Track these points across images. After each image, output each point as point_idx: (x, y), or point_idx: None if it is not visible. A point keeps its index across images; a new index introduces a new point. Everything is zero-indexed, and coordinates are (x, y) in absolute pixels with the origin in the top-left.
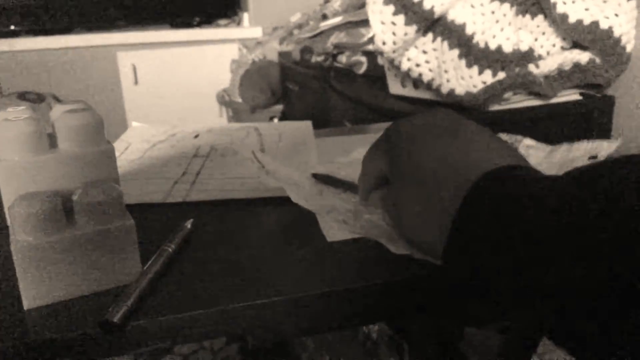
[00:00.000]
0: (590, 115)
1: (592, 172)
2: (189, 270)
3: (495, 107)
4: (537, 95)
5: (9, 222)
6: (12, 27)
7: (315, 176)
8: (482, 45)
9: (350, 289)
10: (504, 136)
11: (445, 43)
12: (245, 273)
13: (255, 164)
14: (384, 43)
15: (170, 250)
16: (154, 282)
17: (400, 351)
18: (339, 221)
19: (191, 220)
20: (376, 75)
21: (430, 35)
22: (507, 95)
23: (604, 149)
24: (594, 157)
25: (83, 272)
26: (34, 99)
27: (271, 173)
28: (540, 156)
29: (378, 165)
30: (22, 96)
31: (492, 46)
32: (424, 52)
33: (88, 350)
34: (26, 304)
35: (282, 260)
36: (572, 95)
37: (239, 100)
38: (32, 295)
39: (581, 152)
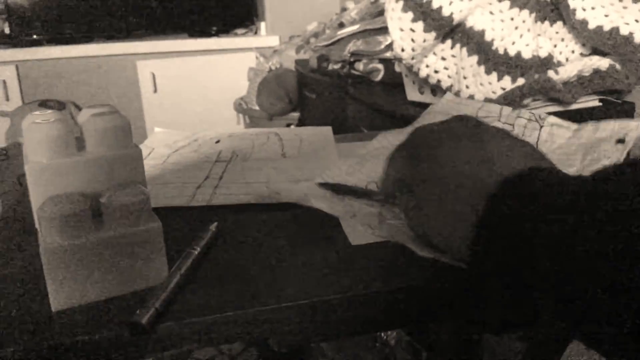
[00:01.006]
0: None
1: (617, 173)
2: (214, 273)
3: None
4: (557, 101)
5: (37, 225)
6: (34, 37)
7: (323, 186)
8: (501, 51)
9: (372, 293)
10: (527, 114)
11: (464, 49)
12: (269, 276)
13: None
14: (402, 50)
15: (195, 252)
16: (181, 285)
17: (418, 357)
18: (364, 224)
19: (215, 223)
20: (393, 83)
21: (449, 42)
22: (526, 101)
23: (631, 129)
24: (622, 140)
25: (111, 274)
26: (55, 106)
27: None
28: (566, 135)
29: (400, 170)
30: (44, 104)
31: (512, 52)
32: (443, 58)
33: (115, 353)
34: (54, 306)
35: (306, 263)
36: (591, 102)
37: (257, 108)
38: (59, 297)
39: (608, 133)
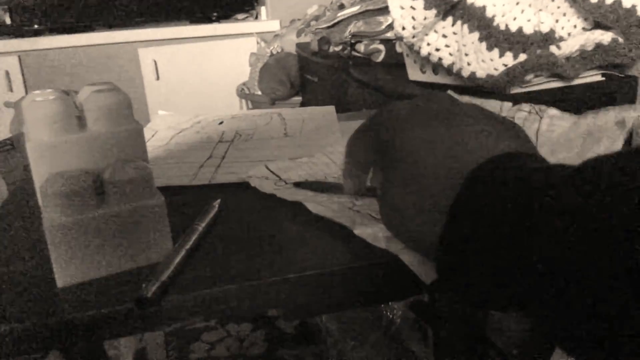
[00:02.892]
0: (613, 96)
1: (602, 163)
2: (219, 248)
3: (517, 90)
4: (559, 77)
5: (40, 202)
6: (36, 26)
7: (299, 185)
8: (502, 27)
9: (375, 264)
10: (527, 107)
11: (465, 26)
12: (273, 250)
13: (271, 179)
14: (403, 28)
15: (199, 228)
16: (186, 259)
17: (424, 336)
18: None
19: (218, 200)
20: (394, 63)
21: (450, 19)
22: (528, 77)
23: (630, 113)
24: (621, 121)
25: (115, 250)
26: None
27: (288, 186)
28: (566, 126)
29: (363, 153)
30: None
31: (513, 28)
32: (444, 36)
33: (123, 327)
34: (60, 283)
35: (308, 236)
36: (594, 77)
37: (259, 93)
38: (65, 273)
39: (607, 118)
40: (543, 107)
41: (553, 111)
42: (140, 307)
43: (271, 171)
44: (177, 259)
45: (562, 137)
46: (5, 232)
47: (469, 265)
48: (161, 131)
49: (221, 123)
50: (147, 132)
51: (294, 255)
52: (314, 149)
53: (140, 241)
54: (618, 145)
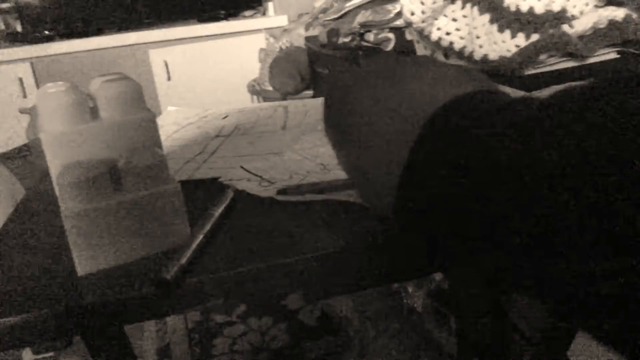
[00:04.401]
0: (630, 74)
1: (572, 94)
2: (233, 233)
3: (531, 71)
4: (573, 56)
5: (57, 192)
6: (47, 32)
7: (283, 192)
8: (513, 8)
9: (390, 242)
10: None
11: (475, 9)
12: (288, 232)
13: (253, 180)
14: (412, 14)
15: (215, 214)
16: (203, 244)
17: (446, 322)
18: None
19: (233, 188)
20: (404, 51)
21: (459, 2)
22: (542, 57)
23: None
24: None
25: (133, 237)
26: None
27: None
28: None
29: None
30: None
31: (524, 8)
32: (454, 19)
33: (144, 311)
34: (80, 270)
35: (322, 218)
36: (609, 54)
37: (270, 88)
38: (85, 261)
39: None
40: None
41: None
42: (161, 290)
43: (249, 172)
44: (196, 243)
45: None
46: (26, 226)
47: (429, 227)
48: (166, 126)
49: (226, 117)
50: None
51: (309, 236)
52: (306, 142)
53: (157, 227)
54: None
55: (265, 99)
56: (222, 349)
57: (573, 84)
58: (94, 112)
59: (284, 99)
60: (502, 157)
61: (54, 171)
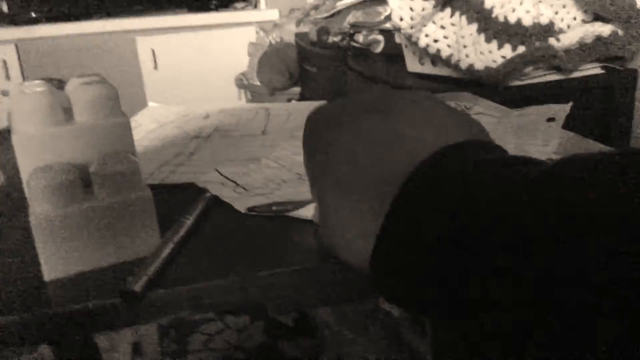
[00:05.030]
0: (613, 89)
1: (582, 162)
2: (206, 242)
3: (516, 83)
4: (558, 69)
5: (27, 195)
6: (33, 14)
7: (253, 210)
8: (501, 19)
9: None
10: (451, 104)
11: (464, 18)
12: (262, 244)
13: (227, 185)
14: (401, 19)
15: (187, 222)
16: (173, 253)
17: (422, 327)
18: None
19: (208, 194)
20: (393, 54)
21: (448, 10)
22: (527, 69)
23: (558, 110)
24: (552, 119)
25: (102, 244)
26: (55, 85)
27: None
28: (493, 122)
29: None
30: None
31: (512, 20)
32: (442, 27)
33: (110, 320)
34: (47, 276)
35: (299, 230)
36: (593, 69)
37: (258, 83)
38: (52, 267)
39: (534, 116)
40: (469, 104)
41: (479, 108)
42: (127, 301)
43: (224, 176)
44: (164, 253)
45: (491, 133)
46: None
47: (401, 279)
48: (145, 125)
49: (207, 117)
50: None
51: (284, 249)
52: (283, 148)
53: (128, 235)
54: (554, 142)
55: (253, 94)
56: (198, 345)
57: (578, 154)
58: (68, 114)
59: (272, 94)
60: (487, 220)
61: (24, 174)
